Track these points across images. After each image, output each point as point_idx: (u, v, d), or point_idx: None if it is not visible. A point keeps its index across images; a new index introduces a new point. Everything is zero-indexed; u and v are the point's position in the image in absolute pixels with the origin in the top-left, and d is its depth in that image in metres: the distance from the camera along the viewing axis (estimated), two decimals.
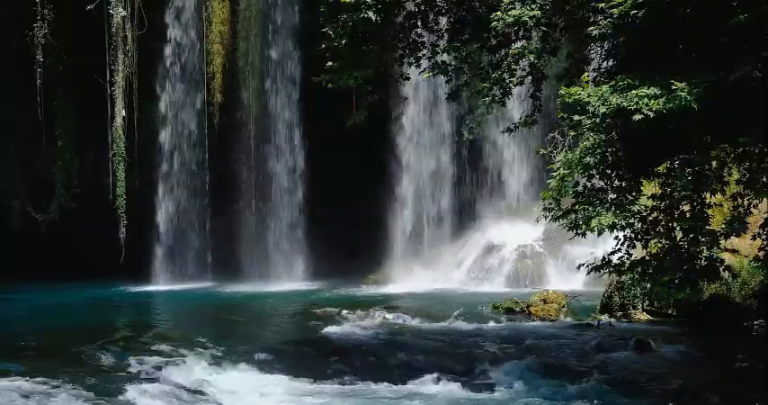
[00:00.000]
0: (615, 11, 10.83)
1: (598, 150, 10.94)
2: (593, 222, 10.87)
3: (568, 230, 11.46)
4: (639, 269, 11.72)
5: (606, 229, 10.94)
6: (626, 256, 11.91)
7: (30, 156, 30.87)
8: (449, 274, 28.51)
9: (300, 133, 30.51)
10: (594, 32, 11.30)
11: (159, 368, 14.32)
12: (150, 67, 30.40)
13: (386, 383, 13.77)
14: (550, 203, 11.42)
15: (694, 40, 10.82)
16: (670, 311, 18.31)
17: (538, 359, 15.04)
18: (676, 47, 11.02)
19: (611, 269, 11.99)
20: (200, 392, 13.18)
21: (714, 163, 11.20)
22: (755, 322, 16.74)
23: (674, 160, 11.29)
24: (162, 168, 30.88)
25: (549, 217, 11.56)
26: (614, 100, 10.33)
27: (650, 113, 10.05)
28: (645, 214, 11.56)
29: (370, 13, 12.60)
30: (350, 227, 29.61)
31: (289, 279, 29.26)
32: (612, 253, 12.07)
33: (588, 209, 11.10)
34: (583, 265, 12.17)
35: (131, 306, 25.60)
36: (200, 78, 30.78)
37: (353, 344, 16.66)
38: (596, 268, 12.02)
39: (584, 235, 11.26)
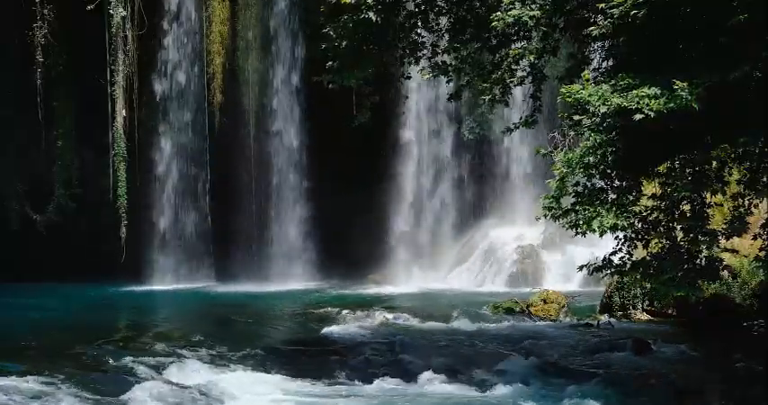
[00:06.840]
0: (615, 11, 10.82)
1: (599, 150, 10.93)
2: (595, 223, 10.86)
3: (568, 229, 11.45)
4: (640, 269, 11.72)
5: (607, 230, 10.93)
6: (627, 256, 11.91)
7: (30, 156, 30.85)
8: (449, 274, 28.54)
9: (301, 132, 30.50)
10: (594, 32, 11.30)
11: (159, 368, 14.31)
12: (150, 67, 30.40)
13: (386, 383, 13.75)
14: (551, 202, 11.41)
15: (694, 40, 10.82)
16: (670, 311, 18.31)
17: (538, 359, 15.02)
18: (676, 47, 11.02)
19: (612, 270, 11.99)
20: (200, 392, 13.15)
21: (714, 163, 11.21)
22: (755, 322, 16.74)
23: (674, 160, 11.29)
24: (162, 168, 30.86)
25: (549, 216, 11.55)
26: (615, 99, 10.32)
27: (651, 113, 10.03)
28: (645, 214, 11.56)
29: (371, 14, 12.61)
30: (350, 227, 29.59)
31: (289, 279, 29.22)
32: (613, 253, 12.07)
33: (589, 209, 11.09)
34: (584, 266, 12.18)
35: (131, 306, 25.60)
36: (201, 78, 30.76)
37: (353, 344, 16.67)
38: (598, 269, 12.03)
39: (584, 234, 11.25)
